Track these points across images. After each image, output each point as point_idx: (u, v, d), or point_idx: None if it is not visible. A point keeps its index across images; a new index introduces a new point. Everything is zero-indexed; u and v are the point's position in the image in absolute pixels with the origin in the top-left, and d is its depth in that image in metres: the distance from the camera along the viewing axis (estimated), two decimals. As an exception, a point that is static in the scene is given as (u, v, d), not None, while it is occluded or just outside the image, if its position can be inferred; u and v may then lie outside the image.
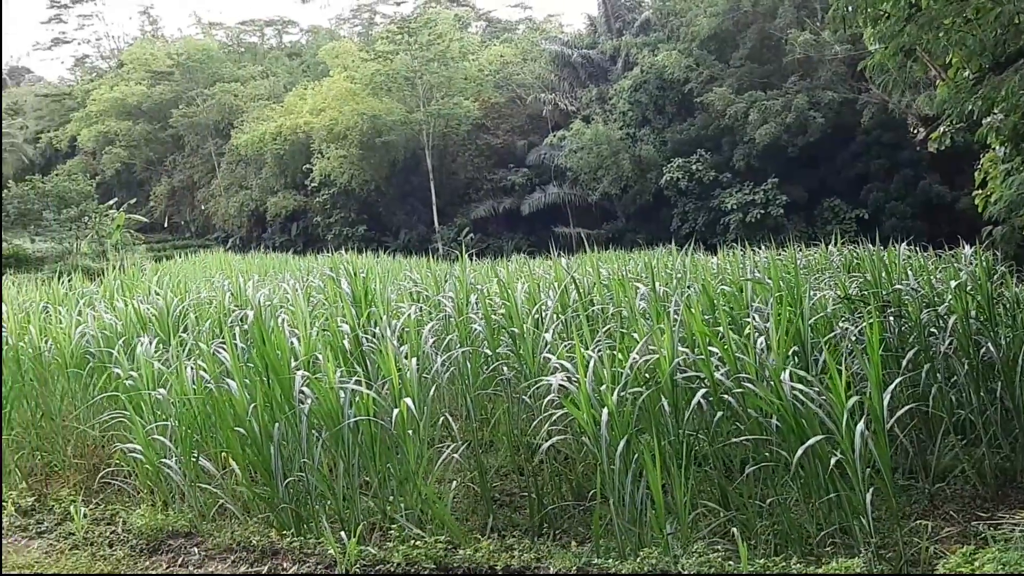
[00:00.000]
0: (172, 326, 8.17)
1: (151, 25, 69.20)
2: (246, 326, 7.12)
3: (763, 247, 17.23)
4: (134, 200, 39.88)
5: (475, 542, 5.26)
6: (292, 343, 6.39)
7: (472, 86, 39.29)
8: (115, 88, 50.57)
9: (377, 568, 4.81)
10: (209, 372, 6.37)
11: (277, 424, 5.66)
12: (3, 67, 39.24)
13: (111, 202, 35.65)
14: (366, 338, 6.80)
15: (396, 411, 5.46)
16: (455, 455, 6.09)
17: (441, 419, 6.64)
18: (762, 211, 30.44)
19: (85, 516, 6.10)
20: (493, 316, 7.29)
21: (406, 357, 6.24)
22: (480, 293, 7.69)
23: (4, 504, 6.56)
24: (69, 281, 12.96)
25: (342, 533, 5.12)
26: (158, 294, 9.73)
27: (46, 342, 7.98)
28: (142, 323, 8.19)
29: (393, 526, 5.31)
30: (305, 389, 5.73)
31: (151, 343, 7.21)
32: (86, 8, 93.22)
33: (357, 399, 5.64)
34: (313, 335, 6.74)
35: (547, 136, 37.13)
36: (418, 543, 4.92)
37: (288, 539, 5.36)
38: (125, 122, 49.89)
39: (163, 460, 6.22)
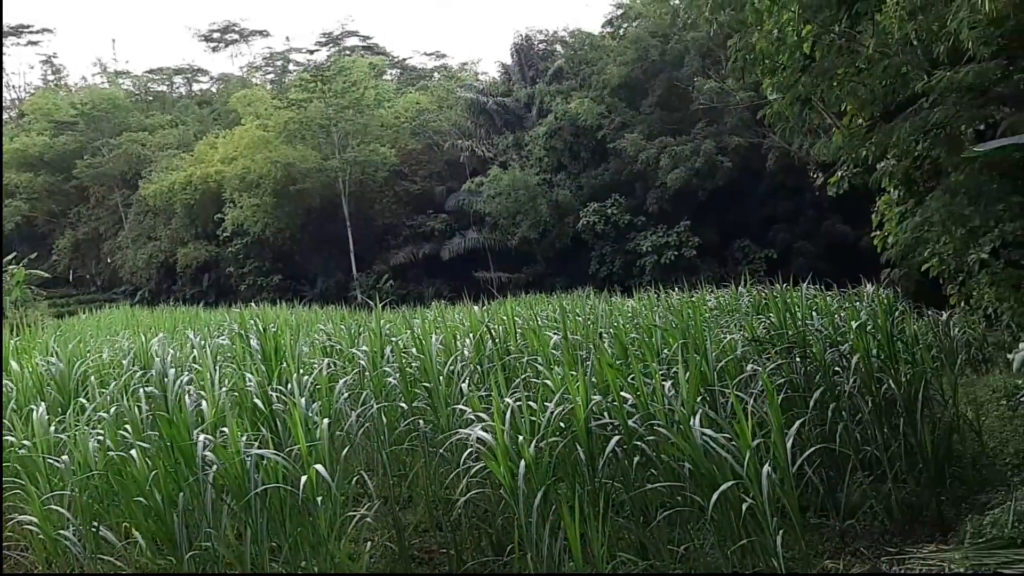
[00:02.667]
0: (72, 390, 7.81)
1: (54, 74, 67.27)
2: (150, 389, 6.87)
3: (677, 288, 17.62)
4: (35, 254, 38.33)
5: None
6: (198, 405, 6.18)
7: (388, 133, 39.31)
8: (15, 139, 48.82)
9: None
10: (110, 438, 6.12)
11: (181, 493, 5.44)
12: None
13: (10, 256, 34.17)
14: (276, 395, 6.63)
15: (304, 477, 5.30)
16: (371, 514, 5.96)
17: (356, 477, 6.51)
18: (676, 253, 31.13)
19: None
20: (408, 368, 7.21)
21: (318, 415, 6.10)
22: (395, 345, 7.60)
23: None
24: (-38, 342, 12.31)
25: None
26: (58, 355, 9.31)
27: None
28: (38, 387, 7.81)
29: (305, 593, 5.14)
30: (209, 455, 5.53)
31: (46, 409, 6.87)
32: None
33: (265, 463, 5.46)
34: (221, 396, 6.53)
35: (465, 182, 37.35)
36: (331, 610, 4.76)
37: (194, 612, 5.12)
38: (26, 174, 48.13)
39: (60, 531, 5.90)
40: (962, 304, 12.18)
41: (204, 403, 6.31)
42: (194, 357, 8.77)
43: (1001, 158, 8.29)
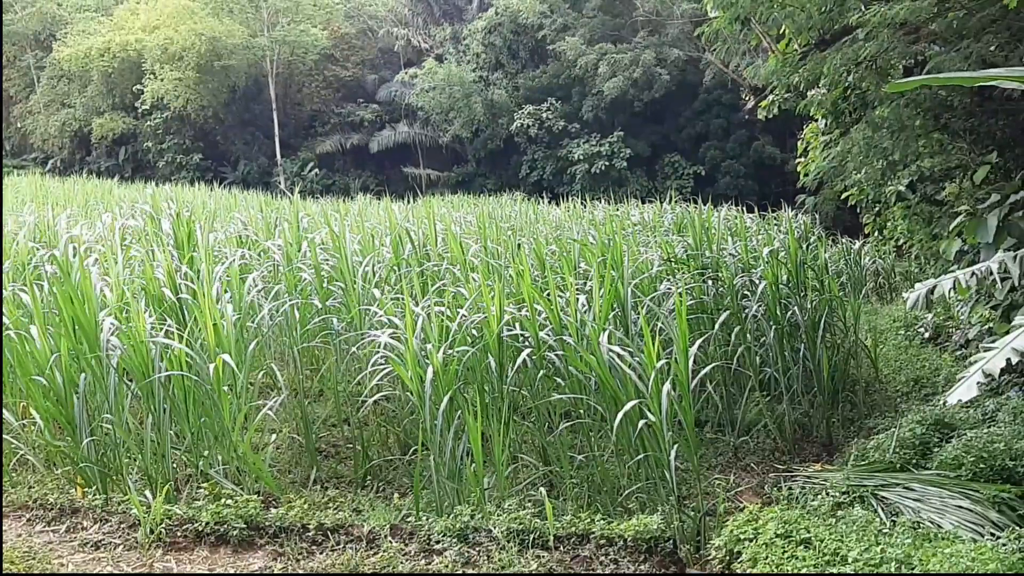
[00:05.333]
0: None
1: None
2: (53, 268, 6.62)
3: (606, 199, 17.72)
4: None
5: (295, 497, 5.21)
6: (102, 289, 5.99)
7: (321, 13, 37.63)
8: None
9: (184, 528, 4.65)
10: (9, 316, 5.91)
11: (83, 374, 5.33)
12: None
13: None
14: (186, 285, 6.47)
15: (212, 366, 5.24)
16: (280, 406, 5.96)
17: (264, 370, 6.48)
18: (607, 163, 31.13)
19: None
20: (324, 267, 7.11)
21: (228, 305, 6.00)
22: (311, 242, 7.47)
23: None
24: None
25: (147, 492, 4.92)
26: (-46, 225, 8.85)
27: None
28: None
29: (205, 484, 5.15)
30: (114, 339, 5.41)
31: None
32: None
33: (171, 352, 5.37)
34: (129, 281, 6.35)
35: (399, 72, 36.30)
36: (229, 501, 4.79)
37: (91, 497, 5.10)
38: (-73, 24, 44.72)
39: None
40: (876, 234, 12.58)
41: (109, 286, 6.13)
42: (101, 237, 8.45)
43: (925, 95, 8.42)
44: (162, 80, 35.04)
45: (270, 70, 35.58)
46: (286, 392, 6.31)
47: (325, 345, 7.01)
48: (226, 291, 6.44)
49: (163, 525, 4.66)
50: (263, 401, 6.01)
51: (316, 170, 35.24)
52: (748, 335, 7.13)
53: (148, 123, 36.86)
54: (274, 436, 6.24)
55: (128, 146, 38.69)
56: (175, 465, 5.55)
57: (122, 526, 4.78)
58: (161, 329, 5.65)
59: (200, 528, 4.63)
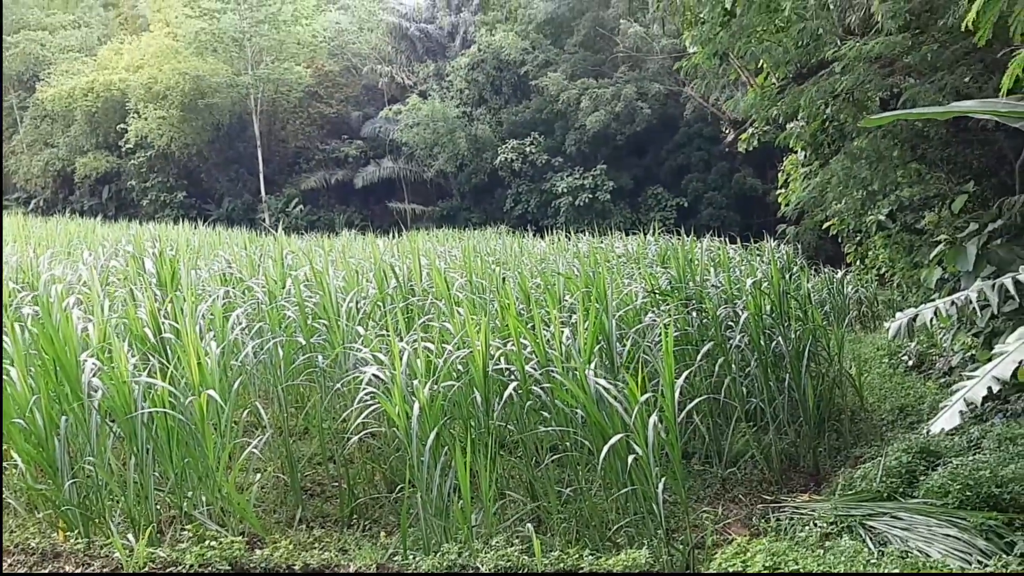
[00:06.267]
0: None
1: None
2: (35, 309, 6.58)
3: (590, 231, 17.83)
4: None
5: (281, 536, 5.15)
6: (85, 329, 5.96)
7: (305, 52, 37.89)
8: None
9: (167, 571, 4.58)
10: (-10, 358, 5.86)
11: (64, 417, 5.28)
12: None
13: None
14: (170, 323, 6.45)
15: (193, 403, 5.20)
16: (265, 445, 5.91)
17: (248, 408, 6.44)
18: (591, 196, 31.32)
19: None
20: (308, 304, 7.10)
21: (212, 343, 5.97)
22: (295, 279, 7.46)
23: None
24: None
25: (129, 535, 4.85)
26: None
27: None
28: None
29: (189, 525, 5.08)
30: (96, 380, 5.37)
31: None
32: None
33: (154, 392, 5.33)
34: (111, 321, 6.31)
35: (383, 109, 36.48)
36: (213, 543, 4.73)
37: (73, 541, 5.02)
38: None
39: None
40: (857, 263, 12.70)
41: (91, 326, 6.09)
42: (81, 278, 8.41)
43: (901, 126, 8.57)
44: (146, 119, 35.11)
45: (254, 108, 35.72)
46: (271, 430, 6.26)
47: (310, 383, 6.98)
48: (210, 329, 6.41)
49: (146, 568, 4.59)
50: (247, 440, 5.96)
51: (301, 206, 35.24)
52: (733, 366, 7.16)
53: (132, 162, 36.86)
54: (259, 475, 6.18)
55: (111, 185, 38.64)
56: (158, 506, 5.49)
57: (105, 570, 4.70)
58: (144, 369, 5.61)
59: (184, 571, 4.56)
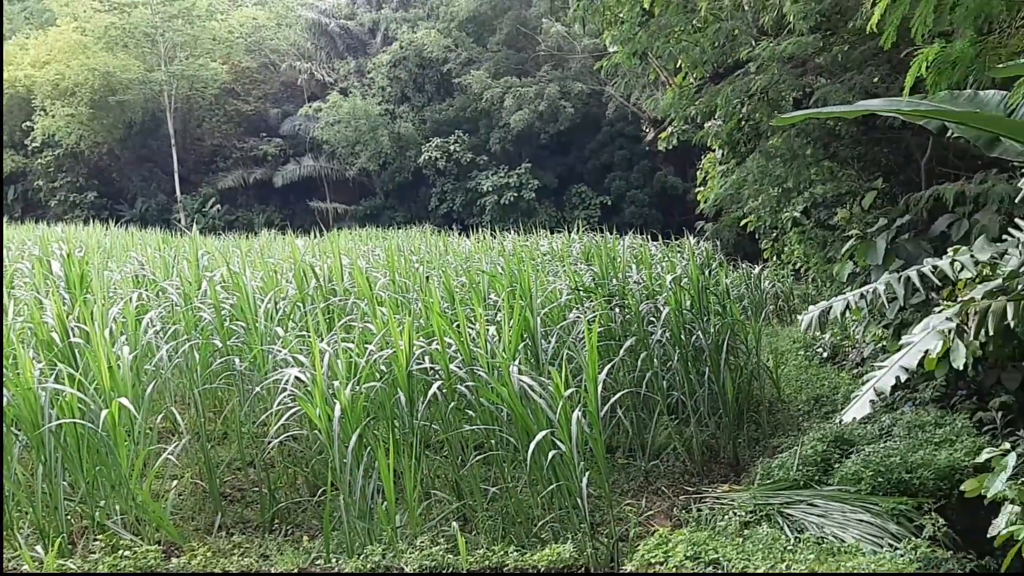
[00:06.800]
0: None
1: None
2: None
3: (515, 230, 17.86)
4: None
5: (199, 544, 5.00)
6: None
7: (221, 48, 36.91)
8: None
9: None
10: None
11: (-36, 427, 5.02)
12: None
13: None
14: (79, 327, 6.19)
15: (105, 412, 5.01)
16: (181, 450, 5.74)
17: (163, 414, 6.24)
18: (516, 194, 31.41)
19: None
20: (224, 305, 6.91)
21: (124, 347, 5.75)
22: (211, 280, 7.25)
23: None
24: None
25: (39, 547, 4.65)
26: None
27: None
28: None
29: (101, 535, 4.89)
30: (-1, 388, 5.12)
31: None
32: None
33: (62, 399, 5.11)
34: (15, 326, 6.03)
35: (303, 106, 35.84)
36: (127, 552, 4.56)
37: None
38: None
39: None
40: (774, 258, 13.05)
41: (-7, 333, 5.81)
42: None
43: (814, 125, 8.83)
44: (53, 116, 33.71)
45: (168, 105, 34.67)
46: (187, 436, 6.08)
47: (228, 386, 6.80)
48: (122, 333, 6.18)
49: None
50: (163, 446, 5.77)
51: (218, 206, 34.35)
52: (655, 360, 7.25)
53: (39, 161, 35.36)
54: (175, 482, 6.00)
55: (17, 185, 36.99)
56: (69, 517, 5.27)
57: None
58: (51, 375, 5.38)
59: (98, 583, 4.39)
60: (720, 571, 4.04)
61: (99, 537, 4.88)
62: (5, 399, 5.15)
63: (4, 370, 5.32)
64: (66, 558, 4.67)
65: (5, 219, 27.50)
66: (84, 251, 8.11)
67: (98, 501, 5.31)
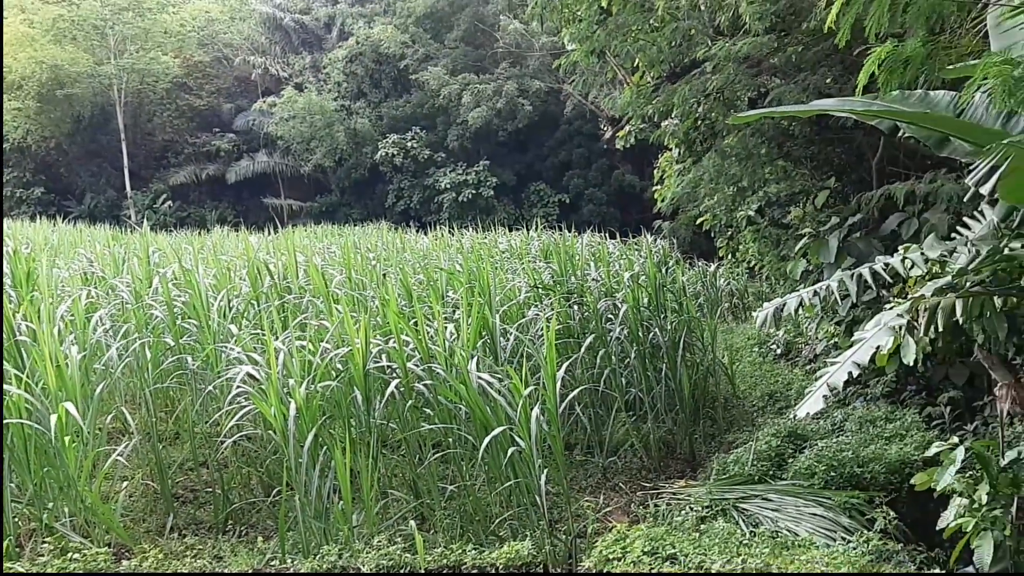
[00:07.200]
0: None
1: None
2: None
3: (473, 227, 17.82)
4: None
5: (150, 546, 4.89)
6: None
7: (172, 41, 36.21)
8: None
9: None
10: None
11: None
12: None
13: None
14: (26, 325, 6.02)
15: (54, 416, 4.88)
16: (132, 451, 5.62)
17: (113, 414, 6.10)
18: (474, 191, 31.34)
19: None
20: (176, 303, 6.77)
21: (72, 346, 5.61)
22: (163, 277, 7.11)
23: None
24: None
25: (-18, 552, 4.51)
26: None
27: None
28: None
29: (50, 538, 4.77)
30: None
31: None
32: None
33: (7, 398, 4.97)
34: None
35: (256, 101, 35.34)
36: (76, 555, 4.45)
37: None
38: None
39: None
40: (729, 256, 13.18)
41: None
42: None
43: (768, 124, 8.94)
44: (-1, 109, 32.84)
45: (118, 99, 33.94)
46: (138, 436, 5.96)
47: (180, 385, 6.67)
48: (70, 331, 6.03)
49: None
50: (112, 447, 5.65)
51: (169, 202, 33.73)
52: (613, 357, 7.29)
53: (-17, 155, 34.43)
54: (126, 483, 5.87)
55: (-40, 180, 35.99)
56: (16, 519, 5.12)
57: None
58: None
59: (44, 587, 4.27)
60: (675, 568, 4.07)
61: (47, 540, 4.75)
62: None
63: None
64: (13, 561, 4.54)
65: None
66: (31, 248, 7.88)
67: (46, 503, 5.18)
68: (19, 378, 5.19)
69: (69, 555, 4.50)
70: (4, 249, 7.74)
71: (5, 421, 4.95)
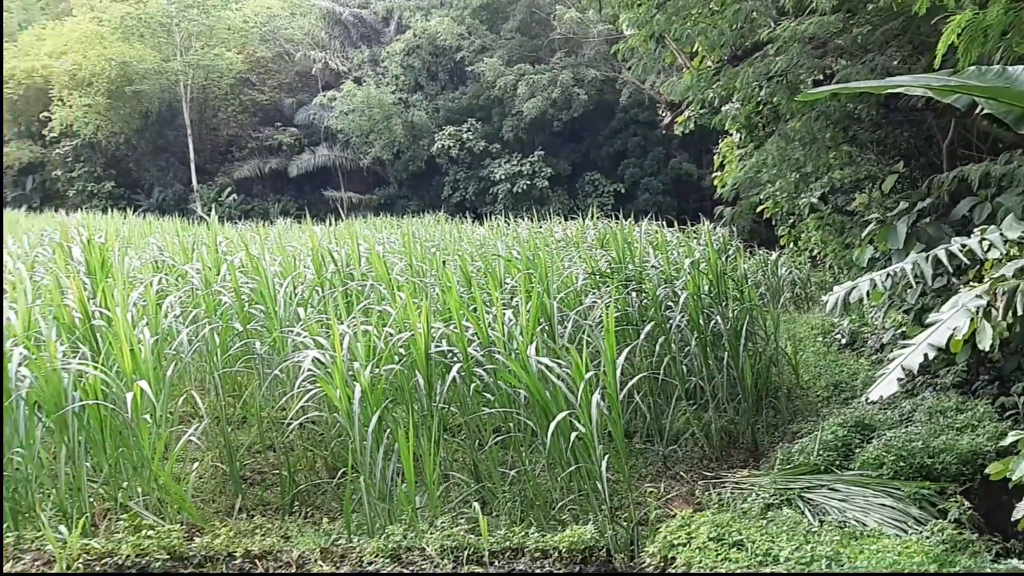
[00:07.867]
0: None
1: None
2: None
3: (528, 218, 17.83)
4: None
5: (220, 525, 5.02)
6: (8, 319, 5.71)
7: (236, 37, 36.94)
8: None
9: (104, 562, 4.42)
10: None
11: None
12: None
13: None
14: (100, 311, 6.22)
15: (129, 395, 5.03)
16: (202, 433, 5.76)
17: (184, 397, 6.26)
18: (528, 182, 31.33)
19: None
20: (244, 290, 6.92)
21: (145, 331, 5.78)
22: (231, 265, 7.27)
23: None
24: None
25: (62, 527, 4.67)
26: None
27: None
28: None
29: (124, 515, 4.92)
30: (23, 369, 5.15)
31: None
32: None
33: (85, 381, 5.14)
34: (36, 309, 6.06)
35: (317, 96, 35.84)
36: (150, 532, 4.59)
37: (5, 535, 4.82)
38: None
39: None
40: (791, 245, 12.94)
41: (14, 316, 5.84)
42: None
43: (834, 108, 8.73)
44: (71, 107, 33.88)
45: (184, 95, 34.77)
46: (207, 419, 6.10)
47: (248, 369, 6.82)
48: (143, 317, 6.21)
49: (80, 560, 4.43)
50: (183, 429, 5.80)
51: (234, 195, 34.47)
52: (672, 345, 7.22)
53: (57, 151, 35.58)
54: (196, 465, 6.03)
55: (36, 175, 37.23)
56: (92, 498, 5.31)
57: (37, 563, 4.52)
58: (74, 358, 5.41)
59: (120, 561, 4.41)
60: (743, 553, 4.02)
61: (122, 517, 4.90)
62: (27, 381, 5.18)
63: (28, 351, 5.35)
64: (89, 538, 4.69)
65: (23, 208, 27.68)
66: (104, 238, 8.13)
67: (120, 483, 5.35)
68: (95, 361, 5.36)
69: (143, 532, 4.64)
70: (81, 238, 7.99)
71: (83, 403, 5.12)
